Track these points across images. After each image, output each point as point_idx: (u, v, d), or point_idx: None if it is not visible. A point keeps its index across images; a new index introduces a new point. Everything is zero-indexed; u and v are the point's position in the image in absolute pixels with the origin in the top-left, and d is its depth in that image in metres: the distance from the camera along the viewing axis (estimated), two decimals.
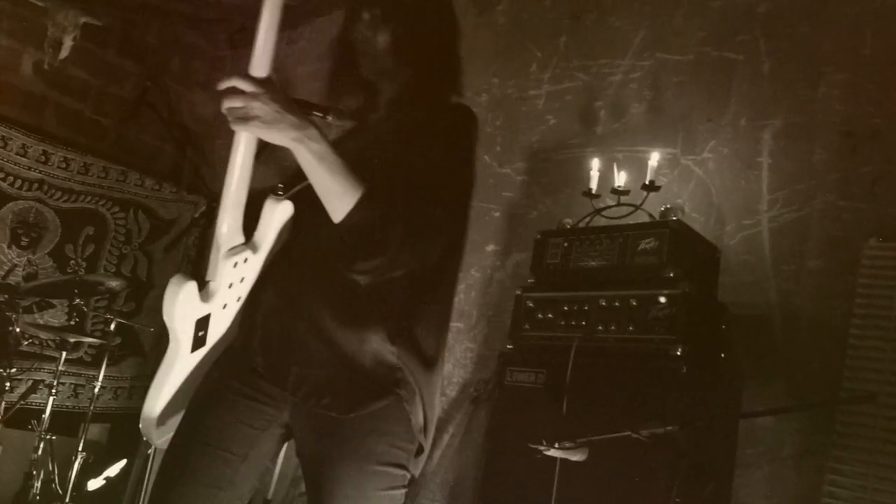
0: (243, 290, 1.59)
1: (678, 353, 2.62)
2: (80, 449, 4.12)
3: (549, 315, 3.02)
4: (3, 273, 4.81)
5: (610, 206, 3.34)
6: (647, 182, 3.21)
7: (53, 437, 4.11)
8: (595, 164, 3.43)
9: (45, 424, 4.08)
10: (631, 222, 3.15)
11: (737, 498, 2.92)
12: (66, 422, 4.57)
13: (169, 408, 1.68)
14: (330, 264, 1.67)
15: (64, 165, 5.17)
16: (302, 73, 4.90)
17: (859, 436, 2.70)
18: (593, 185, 3.39)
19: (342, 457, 1.64)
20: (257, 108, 1.43)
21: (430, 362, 1.73)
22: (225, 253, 1.54)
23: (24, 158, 4.97)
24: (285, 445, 1.85)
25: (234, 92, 1.44)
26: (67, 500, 4.03)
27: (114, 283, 4.54)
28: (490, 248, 4.11)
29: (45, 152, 5.08)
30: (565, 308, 2.97)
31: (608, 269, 2.95)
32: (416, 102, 1.82)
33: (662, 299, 2.71)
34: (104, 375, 4.34)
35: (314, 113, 1.85)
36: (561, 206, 3.81)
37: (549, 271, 3.14)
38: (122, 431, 5.15)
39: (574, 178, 3.76)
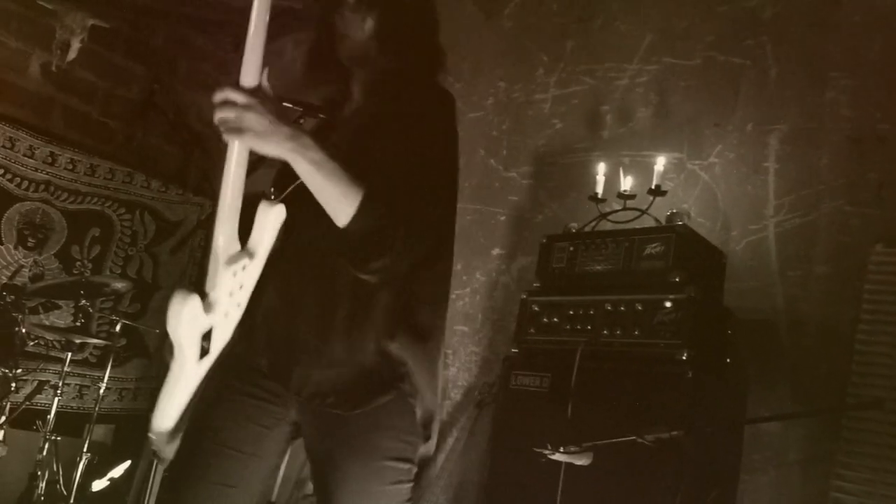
0: (243, 297, 1.58)
1: (683, 358, 2.61)
2: (84, 450, 4.12)
3: (555, 319, 3.01)
4: (9, 274, 4.82)
5: (616, 211, 3.34)
6: (653, 186, 3.21)
7: (58, 438, 4.11)
8: (601, 169, 3.43)
9: (50, 425, 4.09)
10: (637, 227, 3.15)
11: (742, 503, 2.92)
12: (70, 423, 4.57)
13: (180, 421, 1.67)
14: (328, 263, 1.68)
15: (71, 167, 5.18)
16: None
17: (866, 442, 2.69)
18: (599, 189, 3.39)
19: (348, 453, 1.65)
20: (250, 119, 1.42)
21: (431, 354, 1.74)
22: (224, 263, 1.54)
23: (31, 160, 4.98)
24: (290, 448, 1.85)
25: (227, 103, 1.43)
26: (72, 500, 4.03)
27: (119, 285, 4.54)
28: (496, 251, 4.11)
29: (52, 154, 5.10)
30: (571, 312, 2.97)
31: (614, 274, 2.95)
32: (393, 89, 1.80)
33: (668, 304, 2.71)
34: (109, 376, 4.35)
35: (307, 116, 1.85)
36: (567, 210, 3.80)
37: (554, 275, 3.13)
38: (127, 432, 5.15)
39: (580, 182, 3.76)
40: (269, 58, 1.49)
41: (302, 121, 2.36)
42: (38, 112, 5.15)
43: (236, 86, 1.44)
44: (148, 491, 3.97)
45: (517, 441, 2.91)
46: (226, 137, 1.46)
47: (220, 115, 1.43)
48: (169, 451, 1.70)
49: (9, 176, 4.87)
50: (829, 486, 2.75)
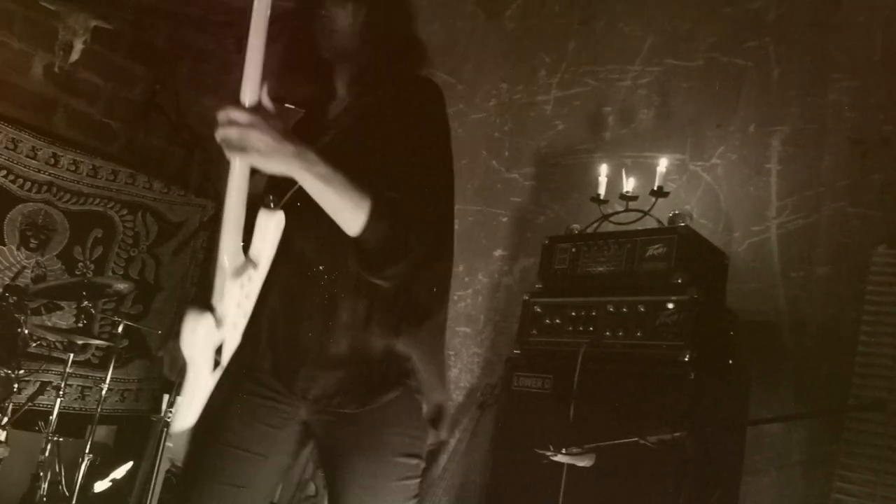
0: (249, 305, 1.60)
1: (686, 359, 2.61)
2: (86, 451, 4.12)
3: (557, 320, 3.01)
4: (11, 275, 4.82)
5: (618, 212, 3.34)
6: (655, 188, 3.21)
7: (60, 439, 4.12)
8: (603, 170, 3.43)
9: (53, 426, 4.09)
10: (639, 228, 3.15)
11: None
12: (73, 423, 4.58)
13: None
14: (328, 265, 1.69)
15: (73, 168, 5.18)
16: None
17: (868, 443, 2.69)
18: (601, 190, 3.39)
19: (357, 450, 1.66)
20: (254, 138, 1.41)
21: (435, 349, 1.76)
22: (231, 276, 1.55)
23: (33, 161, 4.99)
24: (304, 448, 1.86)
25: (229, 122, 1.42)
26: (74, 501, 4.03)
27: (122, 286, 4.55)
28: (498, 253, 4.11)
29: (54, 155, 5.10)
30: (573, 313, 2.97)
31: (616, 275, 2.95)
32: (377, 83, 1.79)
33: (670, 305, 2.71)
34: (111, 377, 4.35)
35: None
36: (569, 211, 3.80)
37: (556, 277, 3.13)
38: (129, 433, 5.15)
39: (582, 183, 3.76)
40: (271, 60, 1.49)
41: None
42: (40, 113, 5.16)
43: (238, 104, 1.42)
44: (150, 492, 3.98)
45: (519, 442, 2.91)
46: (229, 155, 1.45)
47: (223, 135, 1.41)
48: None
49: (11, 177, 4.87)
50: (830, 487, 2.74)
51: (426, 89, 1.79)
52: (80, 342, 4.45)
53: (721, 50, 3.58)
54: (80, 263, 5.18)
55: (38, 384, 4.64)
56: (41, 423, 4.15)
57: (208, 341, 1.53)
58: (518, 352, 3.12)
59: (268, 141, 1.41)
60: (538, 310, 3.09)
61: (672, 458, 2.43)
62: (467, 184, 4.26)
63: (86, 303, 4.35)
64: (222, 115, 1.41)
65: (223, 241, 1.51)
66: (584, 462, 2.39)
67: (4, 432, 3.85)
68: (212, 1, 5.36)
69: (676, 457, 2.43)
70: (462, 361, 4.01)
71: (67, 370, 4.19)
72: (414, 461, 1.70)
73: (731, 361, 2.90)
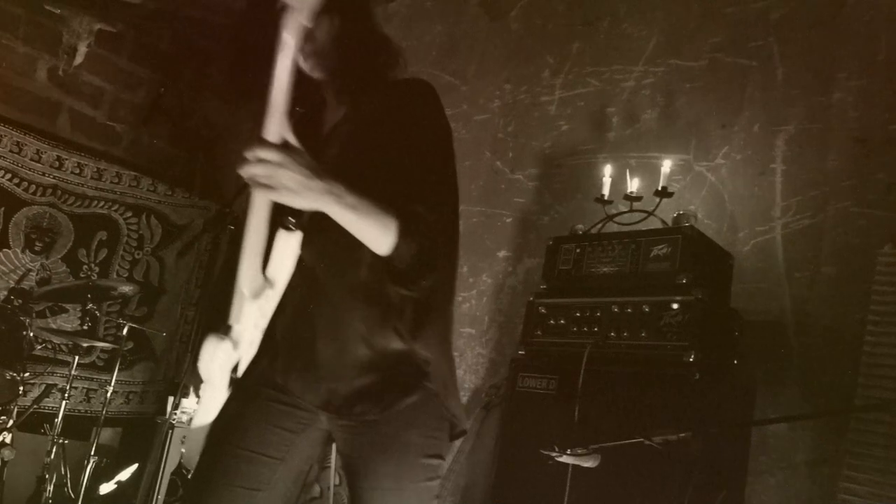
0: (265, 323, 1.64)
1: (691, 360, 2.61)
2: (92, 453, 4.13)
3: (562, 321, 3.01)
4: (16, 278, 4.84)
5: (622, 213, 3.33)
6: (659, 188, 3.21)
7: (66, 441, 4.13)
8: (607, 171, 3.43)
9: (58, 428, 4.10)
10: (643, 228, 3.14)
11: None
12: (78, 426, 4.59)
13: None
14: (340, 278, 1.70)
15: (77, 171, 5.20)
16: None
17: (874, 444, 2.68)
18: (606, 191, 3.38)
19: (381, 453, 1.67)
20: (284, 177, 1.40)
21: (448, 349, 1.77)
22: (249, 298, 1.58)
23: (38, 164, 5.01)
24: (324, 454, 1.87)
25: (257, 160, 1.41)
26: (79, 503, 4.04)
27: (126, 288, 4.56)
28: (502, 254, 4.11)
29: (58, 158, 5.12)
30: (577, 314, 2.97)
31: (620, 276, 2.95)
32: (365, 89, 1.77)
33: (675, 306, 2.70)
34: (116, 380, 4.36)
35: None
36: (573, 212, 3.80)
37: (561, 277, 3.13)
38: (134, 435, 5.17)
39: (586, 184, 3.76)
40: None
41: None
42: (45, 116, 5.18)
43: (265, 142, 1.42)
44: (155, 494, 3.98)
45: (524, 443, 2.91)
46: (258, 192, 1.45)
47: (251, 173, 1.40)
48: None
49: (16, 180, 4.89)
50: (836, 487, 2.73)
51: (420, 91, 1.79)
52: (85, 344, 4.46)
53: (725, 50, 3.58)
54: (85, 266, 5.19)
55: (43, 387, 4.65)
56: (47, 426, 4.17)
57: (227, 364, 1.60)
58: (523, 352, 3.12)
59: (298, 179, 1.40)
60: (543, 310, 3.08)
61: (677, 458, 2.43)
62: (471, 185, 4.26)
63: (91, 305, 4.36)
64: (251, 153, 1.40)
65: (243, 267, 1.55)
66: (588, 462, 2.39)
67: (10, 435, 3.86)
68: (215, 3, 5.37)
69: (681, 457, 2.43)
70: (466, 362, 4.01)
71: (72, 372, 4.20)
72: (437, 462, 1.72)
73: (735, 362, 2.90)
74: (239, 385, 1.69)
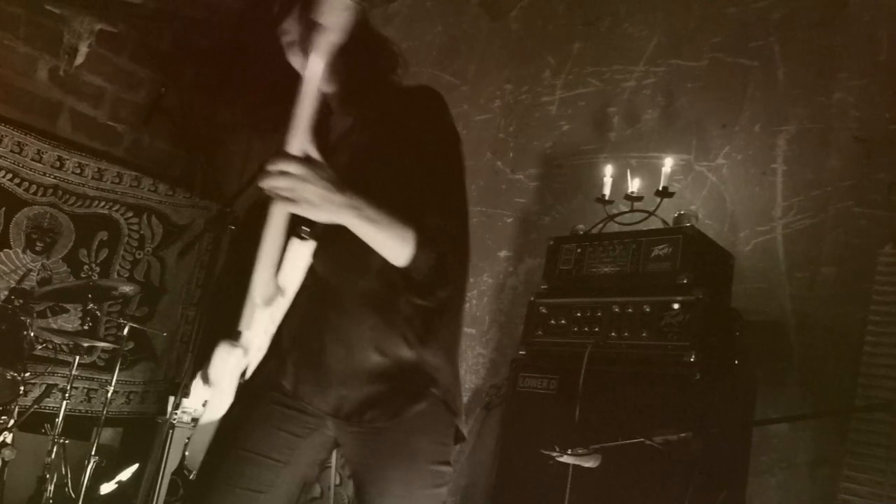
0: (273, 329, 1.66)
1: (691, 360, 2.61)
2: (92, 453, 4.13)
3: (562, 321, 3.01)
4: (17, 278, 4.84)
5: (623, 213, 3.33)
6: (660, 188, 3.20)
7: (66, 441, 4.13)
8: (608, 171, 3.43)
9: (59, 428, 4.10)
10: (644, 228, 3.14)
11: None
12: (79, 426, 4.59)
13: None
14: (346, 283, 1.70)
15: (78, 171, 5.20)
16: None
17: (875, 444, 2.68)
18: (606, 191, 3.38)
19: (391, 459, 1.67)
20: (306, 191, 1.40)
21: (452, 355, 1.76)
22: (261, 305, 1.59)
23: (38, 164, 5.01)
24: (329, 458, 1.88)
25: (280, 173, 1.41)
26: (80, 503, 4.04)
27: (127, 288, 4.56)
28: (503, 254, 4.11)
29: (59, 158, 5.12)
30: (578, 314, 2.96)
31: (621, 276, 2.95)
32: (370, 95, 1.78)
33: (676, 306, 2.70)
34: (117, 380, 4.36)
35: None
36: (574, 212, 3.80)
37: (561, 277, 3.13)
38: (135, 435, 5.17)
39: (587, 184, 3.76)
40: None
41: None
42: (45, 116, 5.18)
43: (287, 155, 1.42)
44: (156, 494, 3.98)
45: (525, 443, 2.91)
46: (278, 204, 1.45)
47: (273, 185, 1.40)
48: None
49: (17, 180, 4.89)
50: (837, 488, 2.73)
51: (429, 99, 1.78)
52: (85, 344, 4.46)
53: (726, 50, 3.58)
54: (86, 266, 5.19)
55: (44, 387, 4.65)
56: (47, 426, 4.17)
57: (238, 369, 1.61)
58: (523, 352, 3.12)
59: (320, 192, 1.41)
60: (543, 310, 3.08)
61: (678, 458, 2.43)
62: (472, 185, 4.26)
63: (91, 305, 4.37)
64: (273, 166, 1.40)
65: (257, 275, 1.54)
66: (589, 463, 2.39)
67: (11, 435, 3.86)
68: (215, 3, 5.38)
69: (682, 457, 2.42)
70: (467, 362, 4.01)
71: (73, 372, 4.20)
72: (445, 468, 1.72)
73: (736, 362, 2.89)
74: (245, 388, 1.70)
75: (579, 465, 2.43)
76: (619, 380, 2.74)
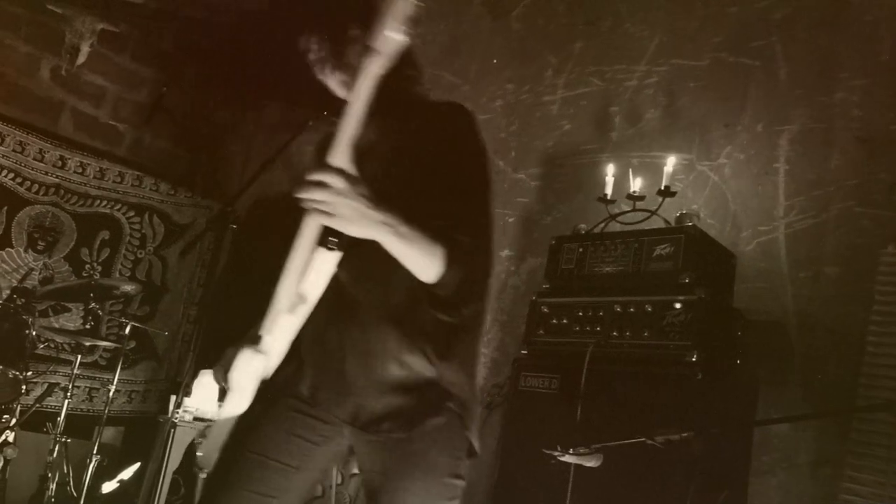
0: (294, 334, 1.66)
1: (693, 360, 2.61)
2: (94, 452, 4.13)
3: (564, 320, 3.01)
4: (19, 277, 4.84)
5: (625, 212, 3.33)
6: (662, 188, 3.20)
7: (68, 440, 4.13)
8: (610, 170, 3.42)
9: (60, 427, 4.10)
10: (646, 228, 3.14)
11: None
12: (80, 425, 4.59)
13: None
14: (369, 295, 1.71)
15: (80, 170, 5.20)
16: None
17: (876, 444, 2.68)
18: (608, 190, 3.38)
19: (407, 470, 1.67)
20: (343, 206, 1.41)
21: (472, 372, 1.77)
22: (285, 312, 1.60)
23: (40, 163, 5.01)
24: (340, 466, 1.88)
25: (318, 184, 1.41)
26: (82, 502, 4.04)
27: (129, 288, 4.56)
28: (504, 253, 4.11)
29: (61, 157, 5.12)
30: (580, 313, 2.96)
31: (623, 275, 2.95)
32: (400, 106, 1.79)
33: (678, 305, 2.70)
34: (119, 379, 4.35)
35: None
36: (576, 211, 3.80)
37: (563, 277, 3.13)
38: (137, 434, 5.16)
39: (589, 183, 3.75)
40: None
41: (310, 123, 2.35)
42: (47, 116, 5.18)
43: (329, 166, 1.42)
44: (157, 493, 3.99)
45: (526, 442, 2.91)
46: (312, 216, 1.46)
47: (310, 196, 1.41)
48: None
49: (19, 179, 4.89)
50: (838, 488, 2.73)
51: (461, 116, 1.80)
52: (87, 344, 4.46)
53: (728, 49, 3.57)
54: (88, 265, 5.19)
55: (45, 386, 4.65)
56: (49, 425, 4.17)
57: (259, 375, 1.62)
58: (525, 352, 3.12)
59: (357, 207, 1.42)
60: (545, 310, 3.08)
61: (679, 458, 2.43)
62: None
63: (93, 304, 4.37)
64: (313, 176, 1.41)
65: (284, 281, 1.56)
66: (591, 462, 2.38)
67: (13, 433, 3.86)
68: (216, 3, 5.38)
69: (684, 457, 2.42)
70: None
71: (75, 371, 4.20)
72: (459, 482, 1.72)
73: (738, 362, 2.90)
74: (262, 392, 1.70)
75: (581, 465, 2.43)
76: (621, 379, 2.74)
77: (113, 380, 4.33)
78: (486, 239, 1.68)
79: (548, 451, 2.41)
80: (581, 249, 3.10)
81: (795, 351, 3.03)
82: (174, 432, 4.05)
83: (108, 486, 4.41)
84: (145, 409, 5.38)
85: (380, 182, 1.57)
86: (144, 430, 5.05)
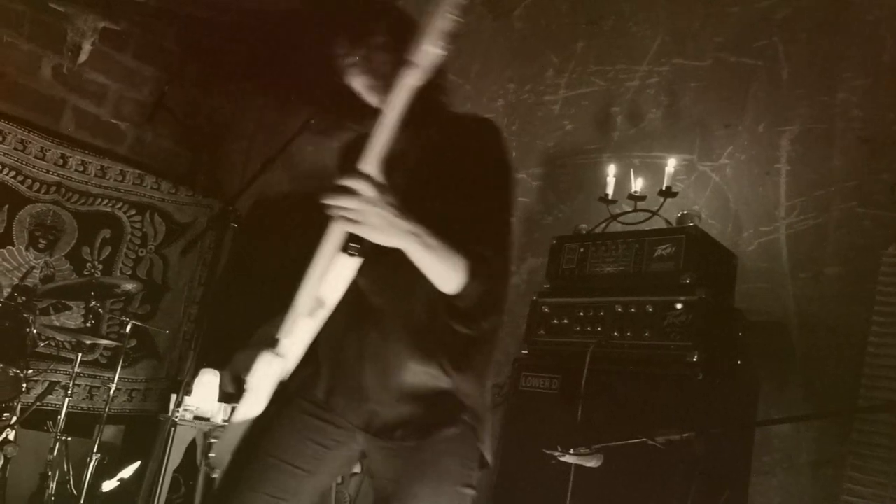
0: (311, 338, 1.66)
1: (694, 360, 2.60)
2: (94, 450, 4.13)
3: (565, 320, 3.01)
4: (20, 275, 4.84)
5: (626, 212, 3.33)
6: (663, 188, 3.20)
7: (69, 439, 4.13)
8: (611, 170, 3.42)
9: (61, 426, 4.10)
10: (647, 228, 3.14)
11: None
12: (81, 423, 4.59)
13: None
14: (388, 303, 1.72)
15: (81, 168, 5.20)
16: None
17: (878, 444, 2.67)
18: (609, 190, 3.38)
19: (420, 478, 1.68)
20: (371, 215, 1.41)
21: (486, 384, 1.79)
22: (305, 316, 1.60)
23: (42, 161, 5.01)
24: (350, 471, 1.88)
25: (347, 190, 1.40)
26: (82, 501, 4.04)
27: (130, 286, 4.56)
28: None
29: (62, 155, 5.12)
30: (581, 314, 2.96)
31: (624, 275, 2.94)
32: (428, 116, 1.78)
33: (679, 305, 2.70)
34: (119, 377, 4.36)
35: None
36: (577, 211, 3.80)
37: (564, 277, 3.13)
38: (137, 433, 5.17)
39: (590, 183, 3.75)
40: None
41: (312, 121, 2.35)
42: (49, 114, 5.18)
43: (361, 174, 1.42)
44: (158, 491, 3.99)
45: (527, 443, 2.91)
46: (337, 222, 1.45)
47: (339, 203, 1.40)
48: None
49: (20, 178, 4.89)
50: (840, 488, 2.73)
51: (488, 131, 1.81)
52: (88, 342, 4.47)
53: (729, 49, 3.57)
54: (89, 264, 5.19)
55: (46, 384, 4.66)
56: (49, 423, 4.17)
57: (277, 378, 1.62)
58: (526, 352, 3.12)
59: (385, 216, 1.42)
60: (546, 310, 3.08)
61: (680, 458, 2.43)
62: None
63: (94, 303, 4.36)
64: (344, 182, 1.40)
65: (306, 287, 1.56)
66: (591, 462, 2.38)
67: (13, 432, 3.86)
68: (217, 2, 5.38)
69: (685, 458, 2.42)
70: None
71: (76, 370, 4.20)
72: (470, 492, 1.73)
73: (739, 362, 2.89)
74: (278, 394, 1.70)
75: (581, 465, 2.43)
76: (622, 379, 2.74)
77: (113, 378, 4.33)
78: (507, 254, 1.69)
79: (548, 452, 2.41)
80: (582, 249, 3.09)
81: (796, 351, 3.03)
82: (175, 431, 4.06)
83: (109, 485, 4.41)
84: (146, 407, 5.39)
85: (406, 192, 1.56)
86: (145, 428, 5.05)
